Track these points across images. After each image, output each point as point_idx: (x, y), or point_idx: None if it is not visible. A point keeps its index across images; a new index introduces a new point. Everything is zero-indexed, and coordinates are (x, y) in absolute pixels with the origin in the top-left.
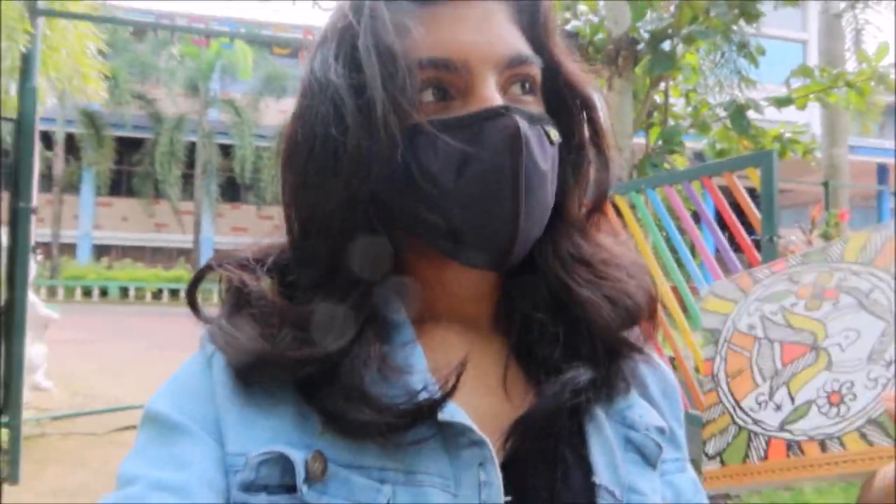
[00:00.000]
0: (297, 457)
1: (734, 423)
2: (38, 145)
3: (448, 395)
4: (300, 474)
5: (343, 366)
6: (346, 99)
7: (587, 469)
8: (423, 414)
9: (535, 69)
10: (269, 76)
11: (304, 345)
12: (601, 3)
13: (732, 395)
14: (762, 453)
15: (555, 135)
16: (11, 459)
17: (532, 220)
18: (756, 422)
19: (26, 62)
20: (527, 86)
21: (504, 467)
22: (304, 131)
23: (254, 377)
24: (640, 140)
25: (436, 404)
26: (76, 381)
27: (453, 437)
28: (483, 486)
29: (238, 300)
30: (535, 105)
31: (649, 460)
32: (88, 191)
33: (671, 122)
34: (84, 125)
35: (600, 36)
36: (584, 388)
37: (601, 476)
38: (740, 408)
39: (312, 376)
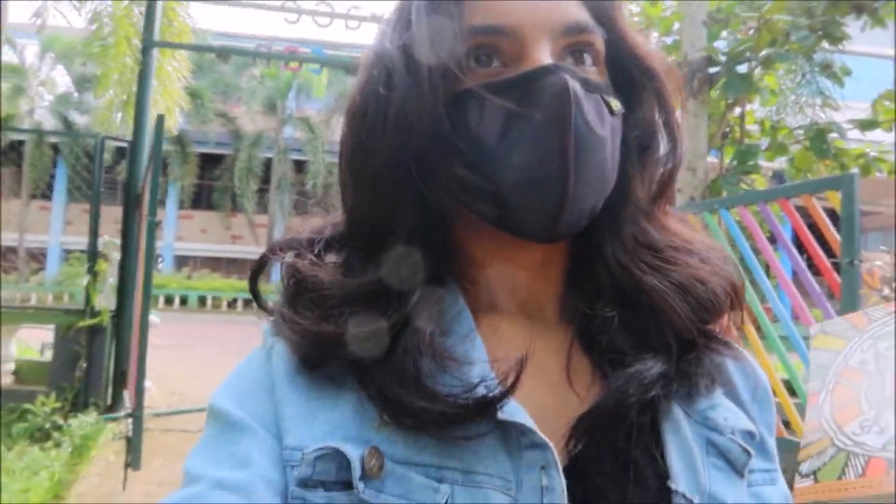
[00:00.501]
0: (354, 453)
1: (834, 445)
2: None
3: (508, 391)
4: (356, 471)
5: (397, 349)
6: (396, 62)
7: (663, 473)
8: (481, 409)
9: (596, 39)
10: (343, 94)
11: (361, 320)
12: (676, 25)
13: (835, 421)
14: (860, 470)
15: (616, 105)
16: (134, 448)
17: (584, 184)
18: (857, 444)
19: (140, 91)
20: (586, 56)
21: (569, 469)
22: (361, 98)
23: (317, 362)
24: (714, 160)
25: (495, 401)
26: (169, 382)
27: (514, 437)
28: (545, 491)
29: (297, 287)
30: (595, 75)
31: (735, 467)
32: (172, 204)
33: (747, 141)
34: (172, 143)
35: (673, 58)
36: (654, 381)
37: (678, 481)
38: (842, 432)
39: (370, 359)
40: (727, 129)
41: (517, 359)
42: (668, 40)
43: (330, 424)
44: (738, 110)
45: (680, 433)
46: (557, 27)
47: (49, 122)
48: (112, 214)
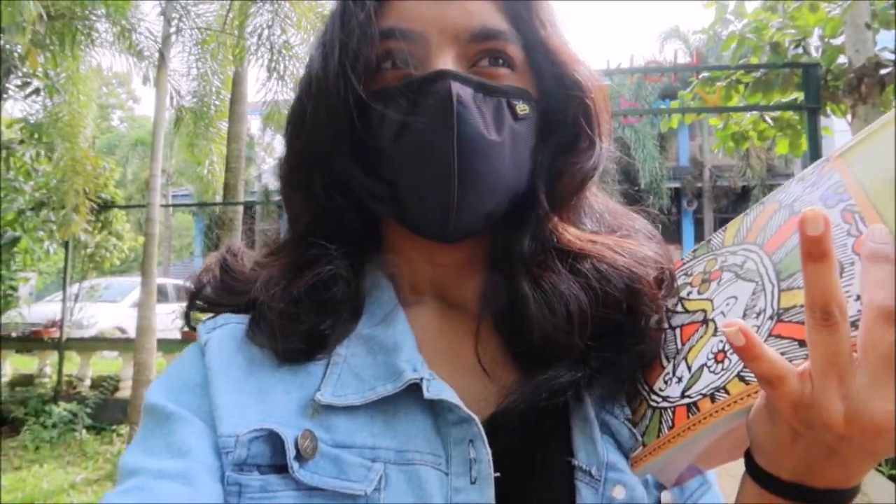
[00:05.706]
0: (288, 434)
1: (649, 406)
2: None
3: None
4: (290, 451)
5: (328, 339)
6: (314, 70)
7: (569, 447)
8: (409, 393)
9: (509, 45)
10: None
11: (290, 319)
12: (843, 30)
13: (646, 382)
14: (671, 423)
15: (522, 108)
16: None
17: (473, 188)
18: (665, 399)
19: None
20: (500, 61)
21: (491, 444)
22: (291, 105)
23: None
24: None
25: (420, 384)
26: None
27: (442, 415)
28: (473, 463)
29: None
30: (509, 79)
31: (623, 449)
32: None
33: None
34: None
35: (844, 59)
36: (564, 388)
37: (578, 457)
38: (653, 391)
39: (301, 349)
40: None
41: (441, 346)
42: (837, 41)
43: (262, 413)
44: None
45: (582, 411)
46: (465, 34)
47: (272, 183)
48: None
